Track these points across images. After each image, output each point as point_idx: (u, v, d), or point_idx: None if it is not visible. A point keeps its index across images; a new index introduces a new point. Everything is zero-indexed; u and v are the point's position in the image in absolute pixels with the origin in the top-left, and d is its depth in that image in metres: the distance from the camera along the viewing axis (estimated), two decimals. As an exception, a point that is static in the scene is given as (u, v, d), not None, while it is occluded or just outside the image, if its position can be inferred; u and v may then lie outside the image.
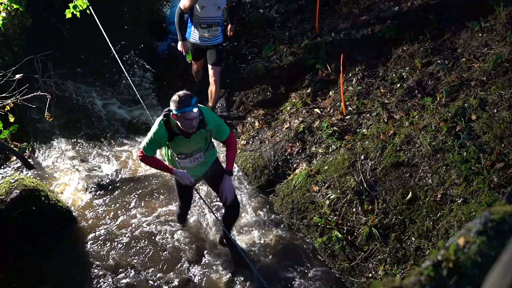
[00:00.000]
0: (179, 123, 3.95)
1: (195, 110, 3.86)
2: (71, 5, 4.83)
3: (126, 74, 4.91)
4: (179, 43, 6.48)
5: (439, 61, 5.70)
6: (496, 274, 0.96)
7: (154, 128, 4.16)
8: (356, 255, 4.85)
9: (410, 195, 4.80)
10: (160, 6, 9.70)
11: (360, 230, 4.89)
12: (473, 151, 4.67)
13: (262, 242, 5.29)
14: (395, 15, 6.68)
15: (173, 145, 4.23)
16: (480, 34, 5.68)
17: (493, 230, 1.39)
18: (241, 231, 5.44)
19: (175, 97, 3.89)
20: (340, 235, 4.94)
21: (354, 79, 6.17)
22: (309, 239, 5.25)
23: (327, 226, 5.06)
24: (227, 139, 4.38)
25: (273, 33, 7.90)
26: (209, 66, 6.69)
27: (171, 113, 3.94)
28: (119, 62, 4.57)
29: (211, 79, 6.74)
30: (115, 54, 4.51)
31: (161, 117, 4.13)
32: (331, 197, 5.16)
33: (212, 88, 6.81)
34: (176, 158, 4.34)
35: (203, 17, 6.19)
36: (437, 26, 6.06)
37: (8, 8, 6.07)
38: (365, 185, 5.05)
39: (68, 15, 4.87)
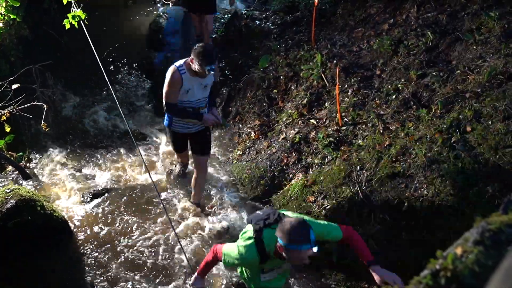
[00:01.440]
0: (284, 255, 3.12)
1: (315, 249, 3.01)
2: (69, 15, 4.84)
3: (110, 87, 4.95)
4: (204, 118, 5.10)
5: (434, 73, 5.75)
6: (496, 281, 0.98)
7: (240, 249, 3.31)
8: (353, 266, 4.86)
9: (405, 206, 4.82)
10: (157, 18, 9.73)
11: (356, 240, 4.89)
12: (468, 162, 4.70)
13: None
14: (390, 27, 6.74)
15: (262, 266, 3.47)
16: (474, 47, 5.73)
17: (490, 239, 1.41)
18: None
19: (287, 226, 3.00)
20: (336, 246, 4.94)
21: (349, 90, 6.20)
22: (305, 250, 5.24)
23: (323, 237, 5.07)
24: (344, 233, 3.52)
25: (269, 44, 7.94)
26: (195, 156, 5.66)
27: (277, 243, 3.08)
28: (105, 75, 4.59)
29: (197, 169, 5.70)
30: (103, 70, 4.54)
31: (251, 236, 3.31)
32: (327, 207, 5.17)
33: (198, 179, 5.71)
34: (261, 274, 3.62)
35: (188, 101, 5.00)
36: (432, 38, 6.11)
37: (5, 18, 6.09)
38: (361, 196, 5.07)
39: (67, 26, 4.87)
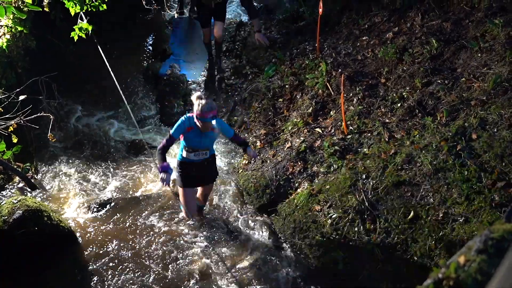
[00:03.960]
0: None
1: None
2: (76, 27, 4.90)
3: (123, 97, 4.97)
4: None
5: (439, 81, 5.75)
6: (499, 278, 0.98)
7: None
8: (358, 275, 4.84)
9: (411, 214, 4.80)
10: (163, 28, 9.80)
11: (362, 249, 4.88)
12: (474, 170, 4.69)
13: (264, 261, 5.28)
14: (395, 35, 6.75)
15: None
16: (479, 54, 5.73)
17: (493, 248, 1.41)
18: (243, 251, 5.43)
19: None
20: (342, 255, 4.93)
21: (354, 99, 6.21)
22: (311, 259, 5.24)
23: (329, 246, 5.06)
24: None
25: (274, 53, 7.97)
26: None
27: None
28: (117, 85, 4.63)
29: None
30: (114, 78, 4.56)
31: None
32: (333, 216, 5.16)
33: None
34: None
35: None
36: (437, 46, 6.11)
37: (13, 30, 6.14)
38: (366, 204, 5.05)
39: (75, 38, 4.94)
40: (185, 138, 5.04)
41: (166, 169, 4.87)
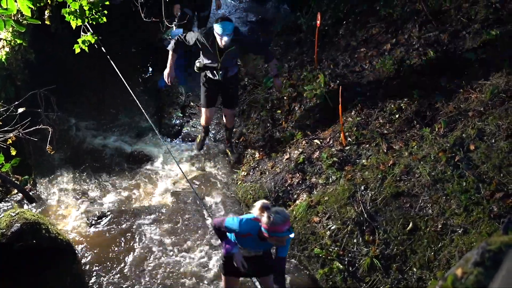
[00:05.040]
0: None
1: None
2: (80, 40, 4.90)
3: (140, 105, 4.98)
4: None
5: (436, 92, 5.77)
6: (499, 281, 0.98)
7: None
8: (358, 287, 4.83)
9: (410, 225, 4.80)
10: (162, 40, 9.81)
11: (361, 261, 4.87)
12: (472, 181, 4.70)
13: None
14: (393, 47, 6.77)
15: None
16: (476, 65, 5.76)
17: (490, 260, 1.41)
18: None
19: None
20: (341, 266, 4.92)
21: (353, 110, 6.22)
22: (310, 271, 5.22)
23: (328, 257, 5.05)
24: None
25: (272, 65, 7.98)
26: None
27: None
28: (130, 91, 4.65)
29: None
30: (127, 85, 4.60)
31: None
32: (332, 228, 5.16)
33: None
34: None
35: None
36: (434, 57, 6.14)
37: (12, 43, 6.16)
38: (365, 216, 5.05)
39: (77, 50, 4.93)
40: (237, 238, 4.12)
41: (231, 249, 4.10)
